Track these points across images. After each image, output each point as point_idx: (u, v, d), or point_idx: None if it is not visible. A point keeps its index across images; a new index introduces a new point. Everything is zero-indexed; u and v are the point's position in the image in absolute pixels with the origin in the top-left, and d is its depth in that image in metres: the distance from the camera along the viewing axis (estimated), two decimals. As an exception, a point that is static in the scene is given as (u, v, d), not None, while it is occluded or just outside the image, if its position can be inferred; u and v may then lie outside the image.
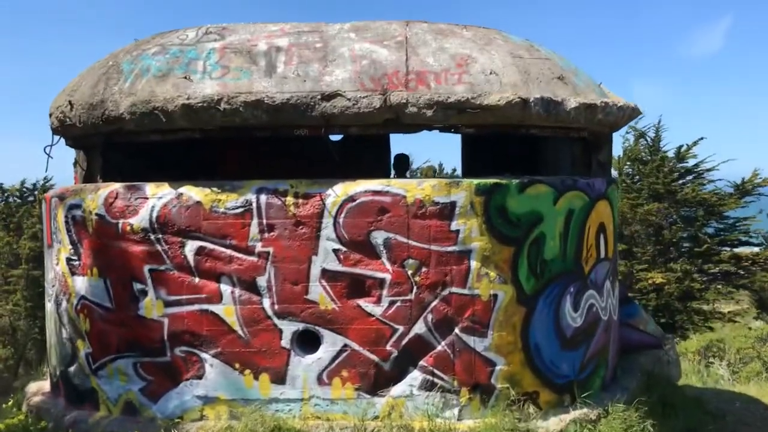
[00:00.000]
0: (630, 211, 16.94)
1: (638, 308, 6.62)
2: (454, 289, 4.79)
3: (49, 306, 5.65)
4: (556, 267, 5.07)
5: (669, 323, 16.61)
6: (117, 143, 5.58)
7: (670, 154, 17.99)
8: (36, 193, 17.05)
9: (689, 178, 17.99)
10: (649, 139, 18.39)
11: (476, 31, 5.49)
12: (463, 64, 5.00)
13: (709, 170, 17.94)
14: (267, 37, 5.26)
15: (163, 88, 4.95)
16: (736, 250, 17.86)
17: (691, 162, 17.91)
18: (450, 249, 4.79)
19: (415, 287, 4.77)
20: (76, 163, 6.35)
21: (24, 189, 17.41)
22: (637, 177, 18.44)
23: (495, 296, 4.83)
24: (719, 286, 17.64)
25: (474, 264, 4.80)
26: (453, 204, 4.78)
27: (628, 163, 18.61)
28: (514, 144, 7.26)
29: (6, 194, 17.14)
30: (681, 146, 17.92)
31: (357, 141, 7.63)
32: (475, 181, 4.83)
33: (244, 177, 5.05)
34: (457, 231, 4.79)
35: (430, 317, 4.78)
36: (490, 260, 4.81)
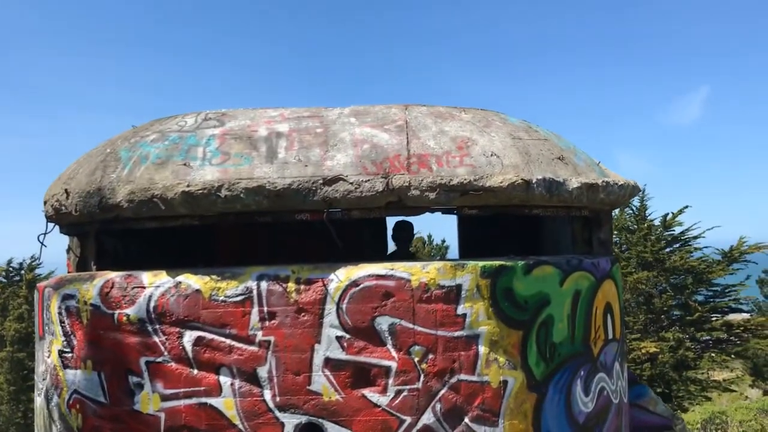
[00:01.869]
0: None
1: (647, 389, 6.48)
2: (462, 377, 4.64)
3: (39, 401, 5.41)
4: (565, 350, 4.96)
5: (665, 393, 16.39)
6: (111, 229, 5.48)
7: (656, 222, 18.14)
8: (23, 272, 16.75)
9: (676, 246, 18.10)
10: (634, 209, 18.57)
11: (475, 113, 5.53)
12: (464, 147, 5.01)
13: (695, 238, 18.07)
14: (267, 122, 5.26)
15: (162, 175, 4.89)
16: (727, 317, 17.85)
17: (677, 230, 18.06)
18: (457, 334, 4.66)
19: (422, 375, 4.62)
20: (69, 250, 6.22)
21: (10, 269, 17.12)
22: (625, 246, 18.50)
23: (505, 383, 4.69)
24: (713, 354, 17.54)
25: (482, 349, 4.67)
26: (459, 287, 4.69)
27: (615, 232, 18.69)
28: (512, 220, 7.25)
29: (-8, 275, 16.82)
30: (667, 214, 18.09)
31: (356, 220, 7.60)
32: (481, 263, 4.75)
33: (243, 256, 4.94)
34: (464, 315, 4.68)
35: (438, 407, 4.61)
36: (498, 345, 4.69)
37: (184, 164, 4.91)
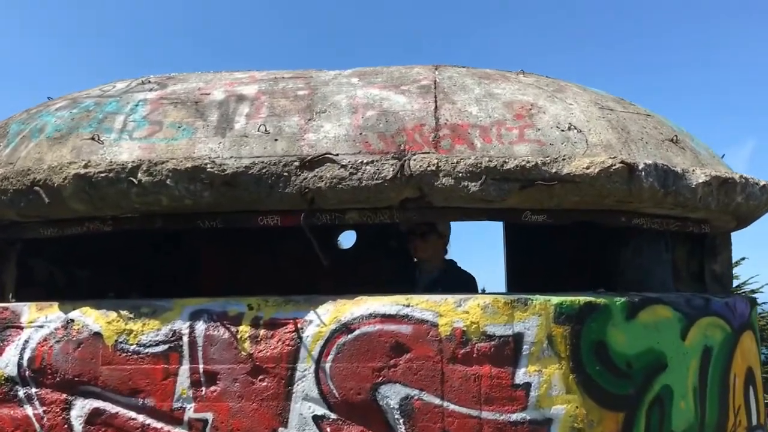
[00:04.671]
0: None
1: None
2: (524, 492, 2.74)
3: None
4: (692, 445, 3.03)
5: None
6: (40, 246, 3.79)
7: (710, 273, 16.20)
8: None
9: (733, 299, 16.17)
10: (685, 258, 16.62)
11: (539, 77, 3.73)
12: (526, 115, 3.20)
13: (753, 292, 16.14)
14: (228, 84, 3.55)
15: (57, 153, 3.18)
16: (790, 381, 15.72)
17: (734, 283, 16.09)
18: (516, 417, 2.78)
19: (455, 486, 2.74)
20: (-19, 275, 4.53)
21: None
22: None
23: (597, 503, 2.77)
24: (777, 421, 15.38)
25: (558, 444, 2.77)
26: (519, 338, 2.82)
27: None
28: (570, 244, 5.30)
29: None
30: (723, 266, 16.14)
31: (373, 242, 5.81)
32: (554, 299, 2.89)
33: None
34: (527, 385, 2.80)
35: None
36: (585, 438, 2.79)
37: (92, 138, 3.20)
